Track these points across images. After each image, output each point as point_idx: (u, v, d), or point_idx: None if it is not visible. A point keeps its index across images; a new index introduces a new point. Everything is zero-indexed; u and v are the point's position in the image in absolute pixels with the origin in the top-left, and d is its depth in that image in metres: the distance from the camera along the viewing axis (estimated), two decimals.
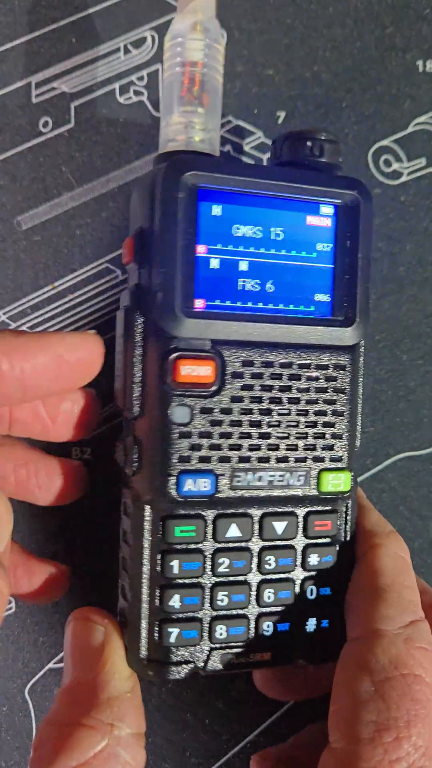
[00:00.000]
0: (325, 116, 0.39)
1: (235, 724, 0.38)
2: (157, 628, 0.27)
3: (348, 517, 0.30)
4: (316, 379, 0.29)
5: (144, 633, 0.28)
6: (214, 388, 0.28)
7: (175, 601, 0.27)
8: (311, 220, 0.30)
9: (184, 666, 0.28)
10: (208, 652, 0.28)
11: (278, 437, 0.29)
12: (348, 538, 0.30)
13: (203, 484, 0.27)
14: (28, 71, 0.38)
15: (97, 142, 0.38)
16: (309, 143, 0.30)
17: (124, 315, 0.28)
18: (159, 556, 0.27)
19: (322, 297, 0.30)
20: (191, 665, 0.28)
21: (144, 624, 0.27)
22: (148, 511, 0.28)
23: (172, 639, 0.27)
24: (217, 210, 0.28)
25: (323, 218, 0.30)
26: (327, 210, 0.30)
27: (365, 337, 0.31)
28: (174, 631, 0.27)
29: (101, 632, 0.28)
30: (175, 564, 0.27)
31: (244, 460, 0.28)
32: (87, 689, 0.26)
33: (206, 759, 0.38)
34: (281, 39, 0.38)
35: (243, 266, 0.29)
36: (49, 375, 0.27)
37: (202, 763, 0.38)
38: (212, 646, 0.28)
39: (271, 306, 0.29)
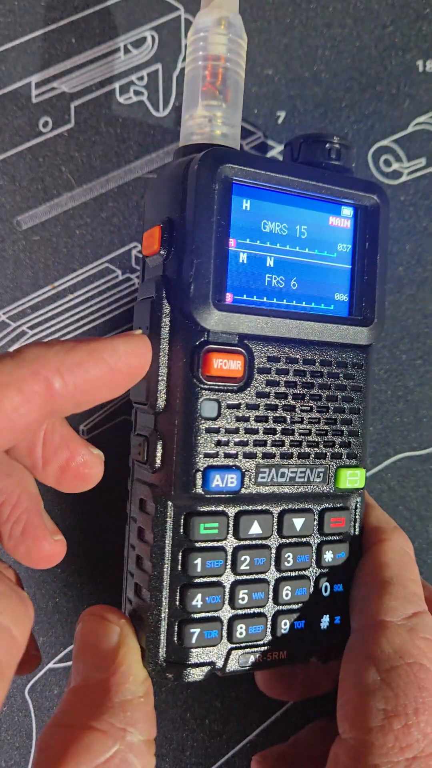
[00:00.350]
0: (325, 116, 0.39)
1: (235, 723, 0.38)
2: (176, 629, 0.27)
3: (358, 514, 0.31)
4: (337, 376, 0.29)
5: (163, 634, 0.27)
6: (241, 383, 0.28)
7: (197, 601, 0.27)
8: (333, 220, 0.30)
9: (203, 667, 0.27)
10: (227, 653, 0.28)
11: (300, 433, 0.29)
12: (357, 534, 0.31)
13: (230, 480, 0.27)
14: (28, 71, 0.38)
15: (97, 142, 0.38)
16: (328, 146, 0.31)
17: (148, 306, 0.28)
18: (180, 554, 0.27)
19: (341, 296, 0.30)
20: (210, 666, 0.27)
21: (164, 624, 0.27)
22: (170, 507, 0.27)
23: (193, 640, 0.27)
24: (247, 204, 0.28)
25: (343, 219, 0.30)
26: (347, 212, 0.30)
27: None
28: (195, 632, 0.27)
29: (116, 632, 0.27)
30: (198, 562, 0.27)
31: (268, 456, 0.28)
32: (98, 691, 0.25)
33: (206, 758, 0.38)
34: (280, 38, 0.38)
35: (270, 262, 0.29)
36: (100, 386, 0.26)
37: (202, 762, 0.38)
38: (231, 646, 0.28)
39: (294, 303, 0.29)
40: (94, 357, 0.25)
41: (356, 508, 0.31)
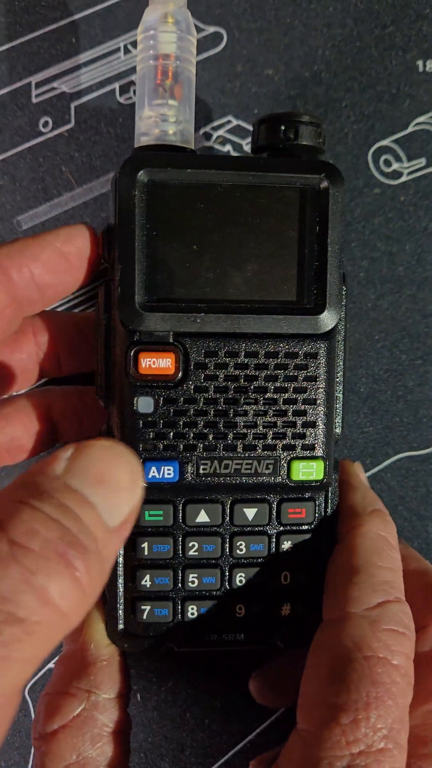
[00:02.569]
0: (325, 116, 0.39)
1: (235, 724, 0.38)
2: (131, 605, 0.29)
3: (328, 505, 0.30)
4: (285, 367, 0.29)
5: (120, 608, 0.30)
6: (177, 378, 0.28)
7: (146, 581, 0.29)
8: (276, 206, 0.29)
9: (157, 640, 0.30)
10: (180, 630, 0.30)
11: (246, 426, 0.29)
12: (328, 525, 0.30)
13: (167, 472, 0.29)
14: (28, 71, 0.38)
15: (97, 142, 0.38)
16: (283, 127, 0.30)
17: (95, 310, 0.30)
18: (132, 538, 0.29)
19: (289, 285, 0.29)
20: (164, 640, 0.30)
21: (120, 599, 0.29)
22: None
23: (144, 616, 0.29)
24: (177, 204, 0.28)
25: (288, 204, 0.29)
26: (292, 195, 0.29)
27: (342, 325, 0.30)
28: (146, 609, 0.29)
29: None
30: (145, 546, 0.29)
31: (209, 448, 0.29)
32: (72, 659, 0.28)
33: (205, 758, 0.38)
34: (281, 38, 0.38)
35: (206, 258, 0.29)
36: (55, 270, 0.29)
37: (201, 762, 0.38)
38: (185, 623, 0.29)
39: (236, 296, 0.29)
40: (39, 242, 0.29)
41: (327, 498, 0.30)
